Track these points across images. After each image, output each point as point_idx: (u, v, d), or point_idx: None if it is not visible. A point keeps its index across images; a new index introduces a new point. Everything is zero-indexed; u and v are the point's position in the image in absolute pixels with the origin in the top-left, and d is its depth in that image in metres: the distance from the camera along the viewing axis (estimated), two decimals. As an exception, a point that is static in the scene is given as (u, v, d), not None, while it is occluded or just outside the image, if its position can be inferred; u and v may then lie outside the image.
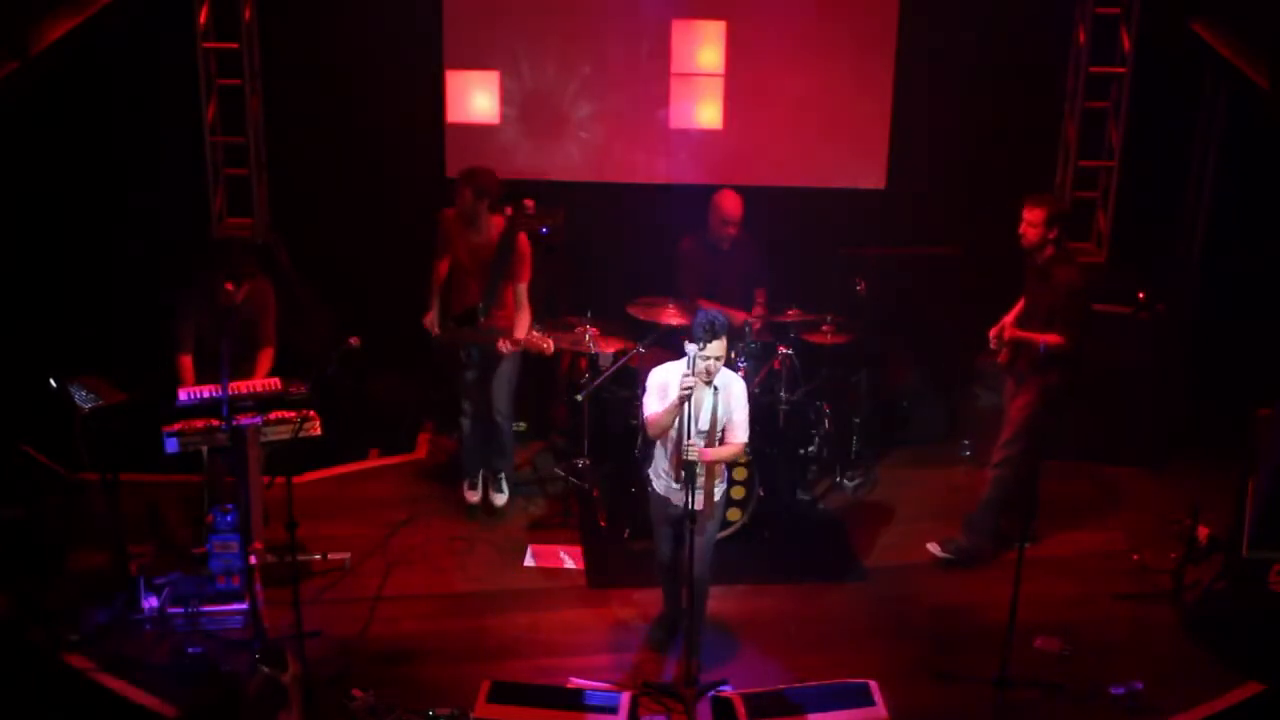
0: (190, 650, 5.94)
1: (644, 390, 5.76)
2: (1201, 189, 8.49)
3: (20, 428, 7.11)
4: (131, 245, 7.92)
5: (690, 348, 5.53)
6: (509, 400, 7.15)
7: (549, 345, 6.78)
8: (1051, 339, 6.47)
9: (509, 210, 8.27)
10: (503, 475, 7.37)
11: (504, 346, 6.77)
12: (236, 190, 8.38)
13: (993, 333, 6.77)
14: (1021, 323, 6.72)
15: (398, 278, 7.83)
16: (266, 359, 6.71)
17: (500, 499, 7.35)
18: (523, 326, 6.84)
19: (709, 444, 5.65)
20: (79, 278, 7.98)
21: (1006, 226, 7.11)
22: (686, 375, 5.52)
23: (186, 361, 6.51)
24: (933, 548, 7.03)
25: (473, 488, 7.36)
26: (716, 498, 5.83)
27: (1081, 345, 6.59)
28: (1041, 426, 6.67)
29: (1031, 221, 6.51)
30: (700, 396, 5.62)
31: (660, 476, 5.88)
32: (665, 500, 5.89)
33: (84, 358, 6.59)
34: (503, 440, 7.26)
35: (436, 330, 6.98)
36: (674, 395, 5.55)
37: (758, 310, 7.61)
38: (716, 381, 5.62)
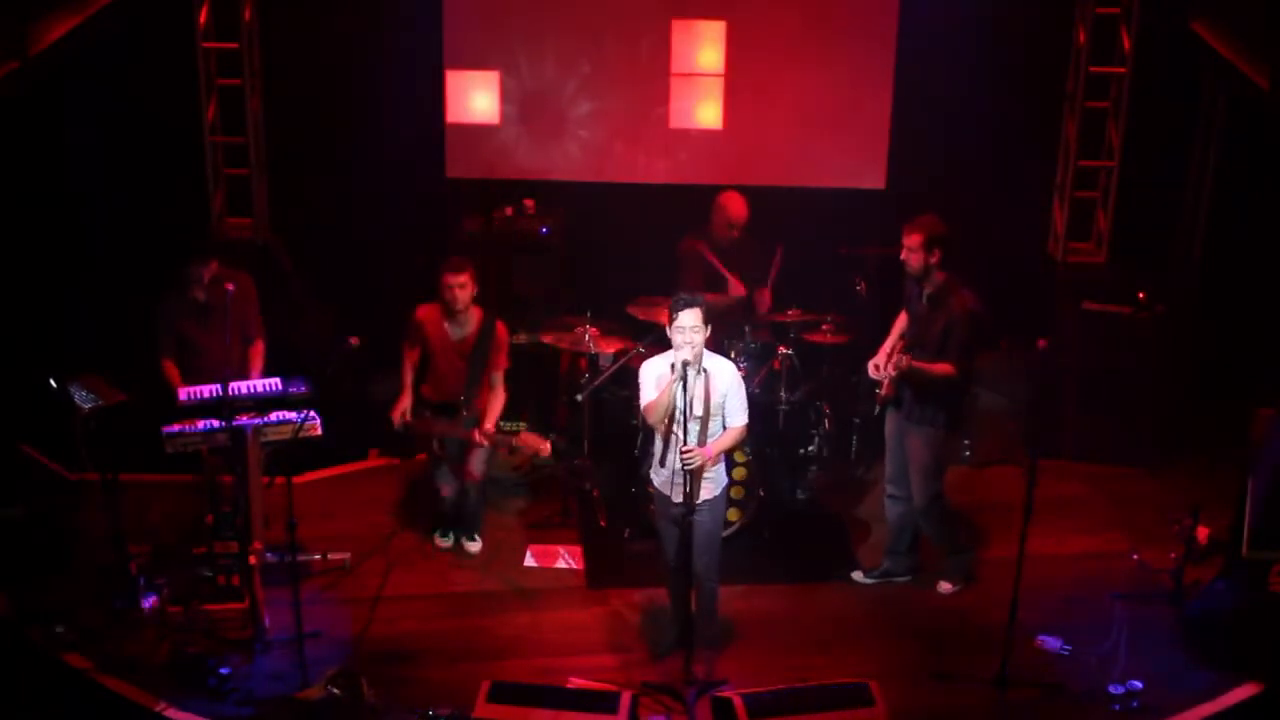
0: (190, 650, 5.96)
1: (639, 387, 5.76)
2: (1201, 189, 8.49)
3: (20, 428, 7.11)
4: (132, 245, 7.91)
5: (674, 337, 5.54)
6: (484, 468, 6.91)
7: (546, 447, 6.61)
8: (943, 368, 6.19)
9: (509, 211, 8.29)
10: (475, 532, 7.10)
11: (479, 438, 6.61)
12: (236, 190, 8.38)
13: (873, 363, 6.47)
14: (912, 353, 6.33)
15: (398, 278, 7.82)
16: (259, 353, 6.75)
17: (474, 546, 7.05)
18: (495, 411, 6.72)
19: (702, 431, 5.64)
20: (79, 278, 7.97)
21: (1006, 227, 7.13)
22: (679, 349, 5.52)
23: (170, 366, 6.55)
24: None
25: (444, 537, 7.09)
26: (717, 490, 5.81)
27: (970, 373, 6.41)
28: (944, 458, 6.57)
29: (910, 246, 6.20)
30: (691, 383, 5.59)
31: (658, 472, 5.86)
32: (665, 497, 5.85)
33: (84, 358, 6.58)
34: (475, 509, 7.03)
35: (409, 418, 6.74)
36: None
37: (771, 279, 7.45)
38: (704, 366, 5.63)
